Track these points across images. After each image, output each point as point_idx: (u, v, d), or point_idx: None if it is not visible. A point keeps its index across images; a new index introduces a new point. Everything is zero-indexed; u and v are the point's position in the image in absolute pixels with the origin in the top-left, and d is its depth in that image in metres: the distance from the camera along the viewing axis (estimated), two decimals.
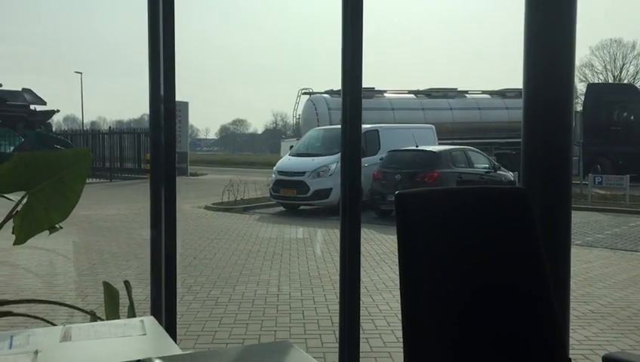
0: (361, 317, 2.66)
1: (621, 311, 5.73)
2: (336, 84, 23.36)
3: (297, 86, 26.47)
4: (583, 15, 2.85)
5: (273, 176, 14.36)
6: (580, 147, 16.44)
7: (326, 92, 23.31)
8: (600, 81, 44.33)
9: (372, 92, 21.97)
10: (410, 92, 24.64)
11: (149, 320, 1.50)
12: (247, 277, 7.05)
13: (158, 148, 2.38)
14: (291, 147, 16.78)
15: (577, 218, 11.79)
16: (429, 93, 24.79)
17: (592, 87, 24.51)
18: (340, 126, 2.68)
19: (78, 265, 7.74)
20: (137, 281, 6.26)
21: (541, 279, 1.72)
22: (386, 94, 23.36)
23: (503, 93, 25.90)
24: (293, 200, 13.87)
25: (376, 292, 6.32)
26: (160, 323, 1.58)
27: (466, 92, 25.71)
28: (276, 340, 4.77)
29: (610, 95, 22.56)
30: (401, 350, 1.56)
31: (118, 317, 1.94)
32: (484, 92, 26.11)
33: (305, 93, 24.91)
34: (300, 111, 25.22)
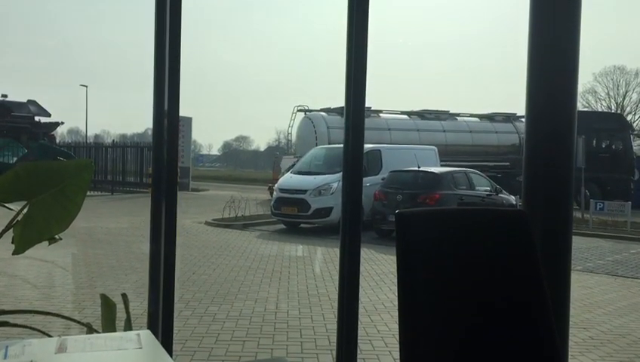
0: (358, 338, 2.64)
1: (621, 338, 5.69)
2: (332, 102, 23.31)
3: (300, 103, 25.96)
4: (586, 41, 2.87)
5: (275, 193, 14.38)
6: (581, 172, 16.55)
7: (322, 110, 23.32)
8: (603, 108, 44.56)
9: (368, 111, 22.08)
10: (402, 112, 24.77)
11: (146, 334, 1.49)
12: (245, 294, 7.03)
13: (160, 162, 2.38)
14: (293, 165, 16.80)
15: (578, 243, 11.75)
16: (422, 115, 25.00)
17: (580, 115, 25.01)
18: (341, 145, 2.69)
19: (77, 278, 7.72)
20: (135, 295, 6.24)
21: (541, 303, 1.71)
22: (381, 114, 23.48)
23: (491, 117, 26.28)
24: (294, 217, 13.86)
25: (374, 313, 6.29)
26: (157, 337, 1.57)
27: (458, 114, 25.98)
28: (272, 358, 4.74)
29: (599, 123, 23.05)
30: None
31: (115, 330, 1.93)
32: (472, 115, 26.43)
33: (300, 111, 24.82)
34: (294, 128, 25.13)
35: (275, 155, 28.22)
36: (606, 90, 46.04)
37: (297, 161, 21.71)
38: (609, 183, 21.66)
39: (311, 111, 23.97)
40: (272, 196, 20.25)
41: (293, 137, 25.21)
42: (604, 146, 22.76)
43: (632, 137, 24.42)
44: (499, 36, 75.69)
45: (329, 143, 19.74)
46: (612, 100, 46.05)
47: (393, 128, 22.77)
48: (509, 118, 26.37)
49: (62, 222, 1.93)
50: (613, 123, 24.40)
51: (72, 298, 6.68)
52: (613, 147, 23.03)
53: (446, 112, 25.65)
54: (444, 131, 24.17)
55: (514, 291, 1.71)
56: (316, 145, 19.94)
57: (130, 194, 22.58)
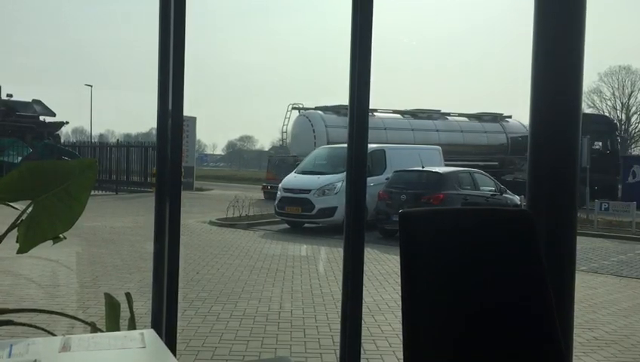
0: (362, 338, 2.64)
1: (625, 339, 5.67)
2: (328, 100, 23.20)
3: (295, 101, 25.17)
4: (591, 41, 2.86)
5: (278, 192, 14.37)
6: (586, 172, 16.56)
7: (317, 108, 23.14)
8: (608, 108, 44.51)
9: None
10: (395, 111, 24.71)
11: (149, 334, 1.50)
12: (249, 294, 7.03)
13: (164, 162, 2.38)
14: (298, 164, 16.77)
15: (583, 243, 11.71)
16: (415, 114, 24.99)
17: None
18: (345, 144, 2.69)
19: (81, 277, 7.74)
20: (139, 294, 6.24)
21: (544, 303, 1.70)
22: (376, 113, 23.43)
23: (479, 117, 26.37)
24: (298, 217, 13.85)
25: (378, 313, 6.28)
26: (160, 337, 1.57)
27: (448, 114, 26.03)
28: (276, 357, 4.75)
29: (586, 124, 23.31)
30: None
31: (119, 329, 1.93)
32: (460, 114, 26.49)
33: (295, 109, 24.54)
34: (289, 127, 24.79)
35: (270, 155, 27.95)
36: (611, 90, 45.96)
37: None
38: (597, 183, 21.86)
39: (306, 109, 23.76)
40: (264, 196, 20.18)
41: (289, 136, 24.91)
42: (590, 147, 23.10)
43: (618, 138, 24.92)
44: (486, 36, 75.78)
45: (327, 142, 19.67)
46: (617, 100, 45.97)
47: (389, 127, 22.71)
48: (496, 117, 26.56)
49: (66, 221, 1.93)
50: (600, 124, 24.81)
51: (76, 297, 6.69)
52: (600, 148, 23.28)
53: (437, 112, 25.73)
54: (438, 131, 24.24)
55: (518, 291, 1.71)
56: (314, 145, 19.83)
57: (135, 194, 22.60)
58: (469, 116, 26.70)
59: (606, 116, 35.71)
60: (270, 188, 20.46)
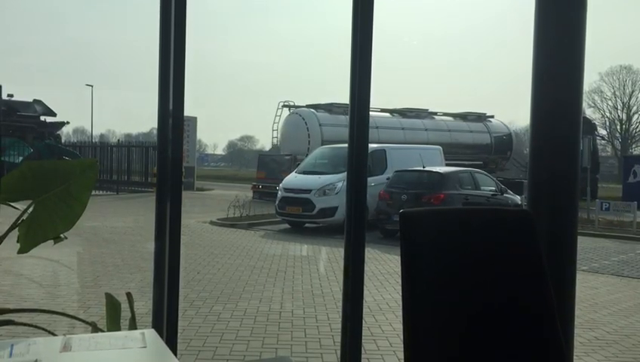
0: (363, 338, 2.64)
1: (626, 338, 5.67)
2: (328, 99, 23.01)
3: (293, 100, 24.05)
4: (592, 40, 2.86)
5: (279, 192, 14.37)
6: (587, 172, 16.59)
7: (308, 106, 22.92)
8: (608, 108, 44.54)
9: None
10: (383, 110, 24.58)
11: (150, 333, 1.50)
12: (250, 294, 7.03)
13: (165, 162, 2.39)
14: (298, 164, 16.75)
15: (583, 243, 11.71)
16: (404, 113, 24.96)
17: None
18: (345, 144, 2.69)
19: (82, 277, 7.74)
20: (140, 294, 6.25)
21: (545, 304, 1.70)
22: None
23: (464, 116, 26.43)
24: (298, 217, 13.86)
25: (379, 313, 6.28)
26: (161, 336, 1.57)
27: (435, 113, 26.05)
28: (277, 357, 4.75)
29: None
30: None
31: (120, 329, 1.93)
32: (445, 114, 26.63)
33: (285, 106, 24.17)
34: (280, 125, 24.17)
35: (260, 154, 27.54)
36: (612, 90, 45.96)
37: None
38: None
39: (297, 107, 23.52)
40: (253, 196, 20.07)
41: (280, 134, 24.54)
42: None
43: (597, 138, 25.32)
44: (486, 36, 75.89)
45: (322, 141, 19.55)
46: (618, 100, 45.97)
47: (381, 126, 22.54)
48: (481, 117, 26.62)
49: (67, 221, 1.94)
50: None
51: (76, 297, 6.70)
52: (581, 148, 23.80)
53: (425, 110, 25.72)
54: (426, 130, 24.20)
55: (518, 291, 1.71)
56: (308, 143, 19.68)
57: (135, 194, 22.59)
58: (454, 115, 26.77)
59: (585, 116, 36.10)
60: (260, 188, 20.29)
